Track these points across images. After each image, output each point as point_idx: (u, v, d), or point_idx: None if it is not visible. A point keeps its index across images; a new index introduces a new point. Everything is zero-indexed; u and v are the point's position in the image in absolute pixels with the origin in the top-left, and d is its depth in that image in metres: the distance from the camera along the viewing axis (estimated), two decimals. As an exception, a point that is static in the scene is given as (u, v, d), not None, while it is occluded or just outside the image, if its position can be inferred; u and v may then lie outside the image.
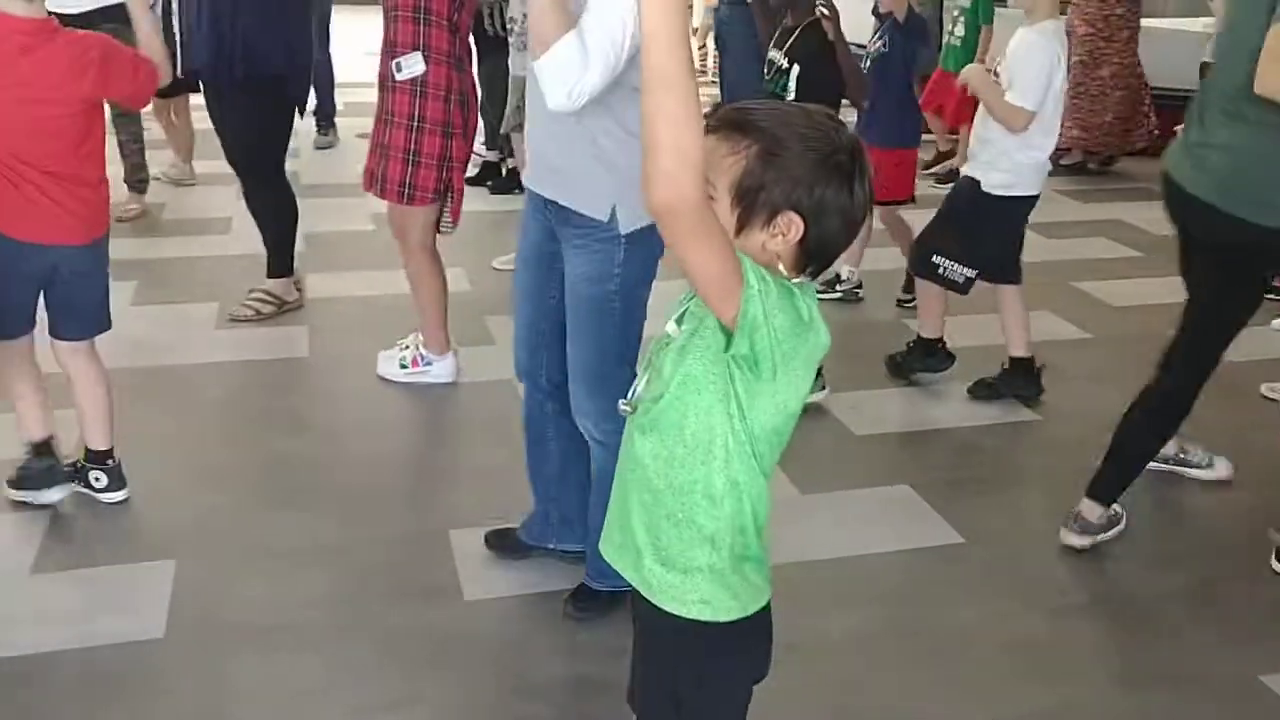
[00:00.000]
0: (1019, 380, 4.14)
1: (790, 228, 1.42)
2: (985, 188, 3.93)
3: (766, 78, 4.01)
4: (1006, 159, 3.89)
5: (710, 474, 1.52)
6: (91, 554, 2.98)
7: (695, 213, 1.28)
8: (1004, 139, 3.86)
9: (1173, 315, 3.03)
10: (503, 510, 3.10)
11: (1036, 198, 3.98)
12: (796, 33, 3.92)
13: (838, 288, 5.02)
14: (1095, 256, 5.89)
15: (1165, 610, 2.93)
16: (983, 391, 4.15)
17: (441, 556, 3.00)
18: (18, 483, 3.19)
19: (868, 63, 4.76)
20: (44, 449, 3.18)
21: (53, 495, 3.17)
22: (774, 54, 3.98)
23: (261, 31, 4.15)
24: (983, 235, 3.98)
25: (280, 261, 4.60)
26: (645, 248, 2.47)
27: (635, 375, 2.53)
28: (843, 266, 5.03)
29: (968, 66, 4.21)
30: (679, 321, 1.57)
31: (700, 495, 1.53)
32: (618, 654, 2.68)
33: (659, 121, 1.26)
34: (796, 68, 3.88)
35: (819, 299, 1.51)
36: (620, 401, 1.62)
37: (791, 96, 3.83)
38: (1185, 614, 2.92)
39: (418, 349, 3.99)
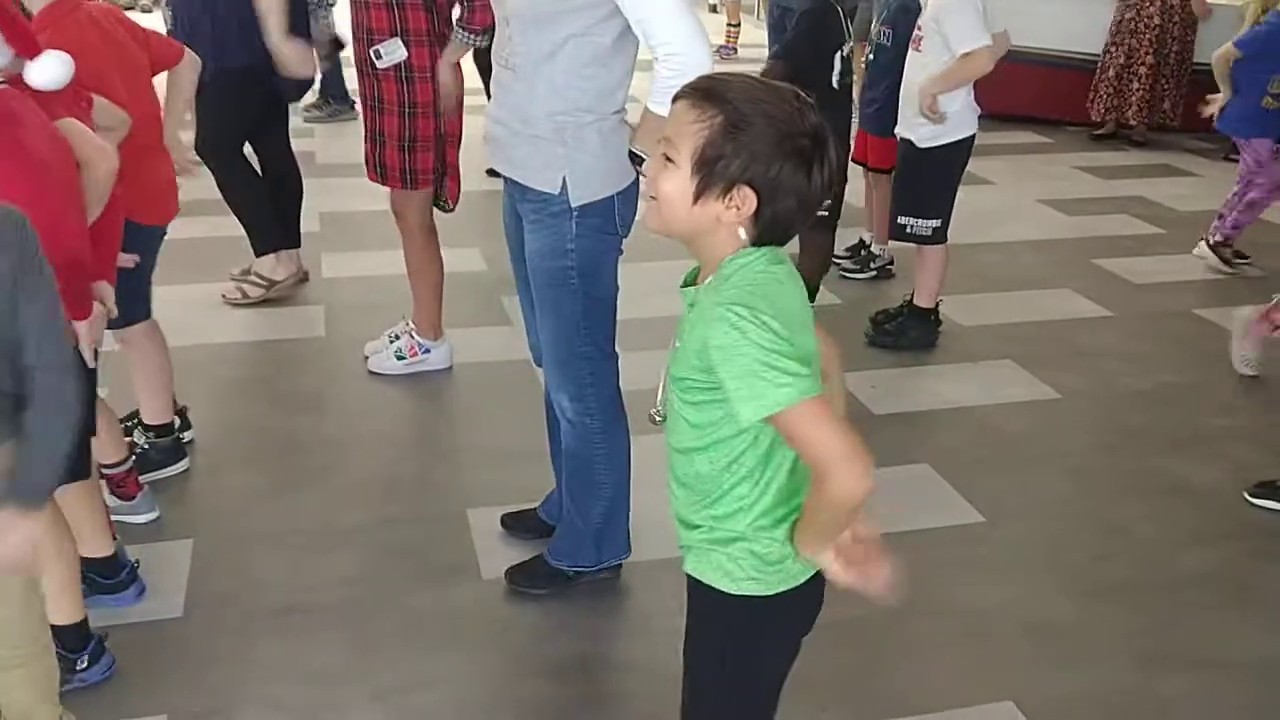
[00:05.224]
0: (914, 325, 4.30)
1: (745, 202, 1.43)
2: (918, 143, 4.08)
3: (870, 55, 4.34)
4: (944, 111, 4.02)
5: (735, 471, 1.56)
6: (110, 534, 2.98)
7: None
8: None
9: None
10: (519, 490, 3.10)
11: (974, 138, 4.13)
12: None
13: (872, 266, 4.97)
14: (1117, 233, 5.80)
15: (1192, 592, 2.89)
16: (883, 339, 4.27)
17: (459, 536, 3.00)
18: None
19: (870, 54, 4.76)
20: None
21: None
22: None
23: (233, 28, 4.08)
24: (932, 186, 4.15)
25: (262, 240, 4.52)
26: (599, 220, 2.46)
27: (605, 356, 2.56)
28: (873, 244, 4.99)
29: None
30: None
31: (729, 482, 1.56)
32: (636, 633, 2.69)
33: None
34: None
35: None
36: (650, 410, 1.65)
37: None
38: (1212, 596, 2.88)
39: (412, 337, 3.96)
